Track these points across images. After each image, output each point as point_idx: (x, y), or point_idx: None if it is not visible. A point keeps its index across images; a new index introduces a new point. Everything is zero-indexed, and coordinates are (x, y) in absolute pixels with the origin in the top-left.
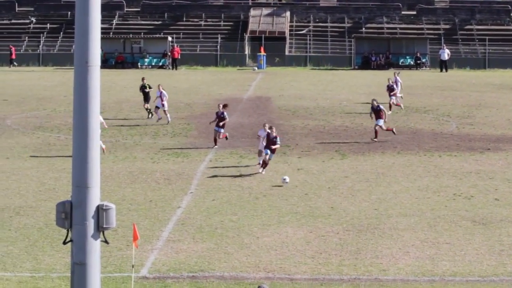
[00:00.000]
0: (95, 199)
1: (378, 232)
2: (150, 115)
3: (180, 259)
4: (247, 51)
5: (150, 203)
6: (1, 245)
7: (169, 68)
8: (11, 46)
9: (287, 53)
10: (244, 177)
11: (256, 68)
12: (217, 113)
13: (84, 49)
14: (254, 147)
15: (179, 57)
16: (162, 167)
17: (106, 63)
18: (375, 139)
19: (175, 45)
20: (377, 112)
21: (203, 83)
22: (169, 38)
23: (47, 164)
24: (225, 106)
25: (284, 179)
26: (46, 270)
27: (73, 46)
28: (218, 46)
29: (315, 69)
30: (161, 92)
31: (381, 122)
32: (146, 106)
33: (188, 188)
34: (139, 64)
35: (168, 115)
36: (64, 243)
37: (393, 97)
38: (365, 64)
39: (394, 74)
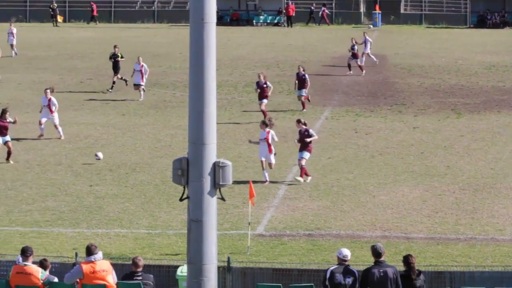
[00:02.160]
0: (211, 156)
1: (494, 192)
2: (111, 88)
3: (296, 217)
4: (362, 8)
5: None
6: (117, 202)
7: (284, 26)
8: (92, 3)
9: (402, 11)
10: (360, 135)
11: (371, 26)
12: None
13: (200, 6)
14: (370, 105)
15: (294, 14)
16: (278, 124)
17: (221, 20)
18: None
19: (290, 2)
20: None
21: (318, 40)
22: None
23: (163, 121)
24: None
25: (97, 155)
26: (162, 227)
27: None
28: (333, 4)
29: (430, 27)
30: (142, 66)
31: (304, 92)
32: (114, 78)
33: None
34: (254, 21)
35: (142, 93)
36: (181, 200)
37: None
38: (481, 22)
39: (364, 33)
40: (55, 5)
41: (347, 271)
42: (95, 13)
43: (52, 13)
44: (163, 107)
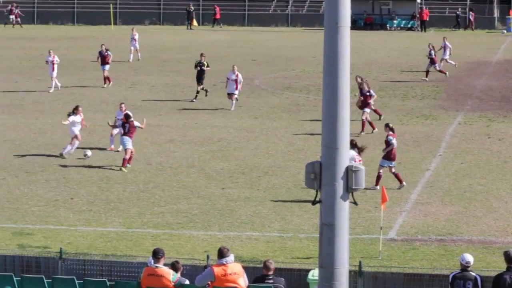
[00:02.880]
0: (344, 160)
1: None
2: (195, 98)
3: (428, 222)
4: (496, 13)
5: (399, 165)
6: (249, 205)
7: (418, 30)
8: (216, 6)
9: None
10: (493, 140)
11: (505, 31)
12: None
13: (334, 9)
14: (503, 110)
15: (428, 19)
16: (411, 129)
17: (354, 24)
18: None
19: (424, 7)
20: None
21: (452, 45)
22: (418, 0)
23: (296, 124)
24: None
25: (85, 154)
26: (294, 230)
27: (323, 6)
28: (467, 9)
29: None
30: (237, 75)
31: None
32: (199, 88)
33: (436, 151)
34: (387, 25)
35: (234, 102)
36: (313, 203)
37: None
38: None
39: (444, 39)
40: (192, 8)
41: (468, 277)
42: (217, 16)
43: (187, 15)
44: (296, 111)
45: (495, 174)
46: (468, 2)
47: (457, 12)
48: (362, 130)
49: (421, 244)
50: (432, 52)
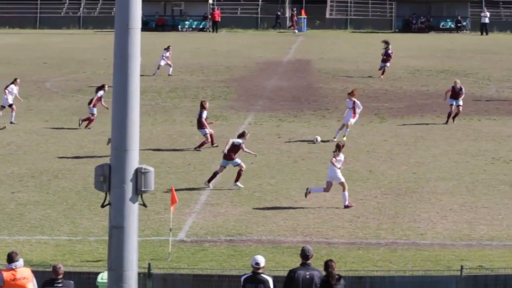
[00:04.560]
0: (134, 162)
1: (416, 196)
2: None
3: (217, 223)
4: (287, 13)
5: (188, 167)
6: (39, 209)
7: (209, 31)
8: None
9: (327, 15)
10: (283, 140)
11: (296, 31)
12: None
13: (125, 11)
14: (294, 110)
15: (220, 19)
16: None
17: (146, 26)
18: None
19: (216, 7)
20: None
21: (243, 46)
22: (210, 1)
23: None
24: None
25: (316, 139)
26: (83, 233)
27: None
28: (259, 9)
29: (356, 32)
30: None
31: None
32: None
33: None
34: (179, 26)
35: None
36: (102, 206)
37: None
38: (406, 27)
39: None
40: None
41: (259, 280)
42: None
43: None
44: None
45: (285, 173)
46: (260, 3)
47: (278, 13)
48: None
49: (210, 245)
50: (388, 51)
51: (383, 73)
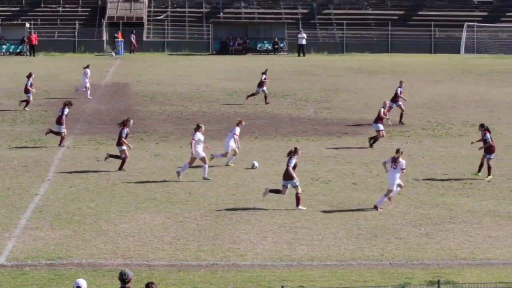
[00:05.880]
0: None
1: (235, 218)
2: None
3: (38, 247)
4: (105, 37)
5: (7, 191)
6: None
7: (27, 55)
8: None
9: (145, 38)
10: (102, 163)
11: (114, 54)
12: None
13: None
14: (112, 133)
15: (37, 43)
16: (20, 154)
17: None
18: None
19: (33, 31)
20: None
21: (61, 69)
22: (27, 25)
23: None
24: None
25: (253, 164)
26: None
27: None
28: (76, 32)
29: (173, 54)
30: None
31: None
32: None
33: (45, 175)
34: None
35: None
36: None
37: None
38: (223, 49)
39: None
40: None
41: None
42: None
43: None
44: None
45: (104, 196)
46: (77, 26)
47: (115, 35)
48: None
49: (31, 269)
50: (264, 76)
51: (266, 100)
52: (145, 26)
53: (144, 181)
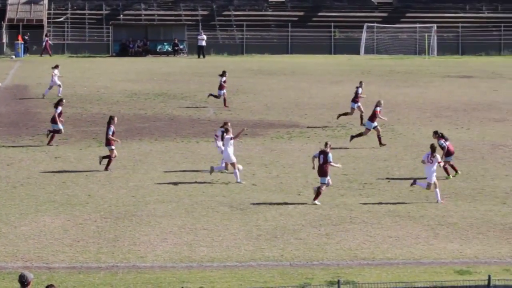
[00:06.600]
0: None
1: (135, 219)
2: None
3: None
4: (4, 39)
5: None
6: None
7: None
8: None
9: None
10: (2, 166)
11: (14, 57)
12: None
13: None
14: (12, 136)
15: None
16: None
17: None
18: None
19: None
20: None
21: None
22: None
23: None
24: None
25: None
26: None
27: None
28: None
29: (73, 56)
30: None
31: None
32: None
33: None
34: None
35: None
36: None
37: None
38: (123, 51)
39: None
40: None
41: None
42: None
43: None
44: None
45: (4, 199)
46: None
47: (25, 37)
48: None
49: None
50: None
51: (225, 103)
52: (45, 29)
53: (44, 183)
